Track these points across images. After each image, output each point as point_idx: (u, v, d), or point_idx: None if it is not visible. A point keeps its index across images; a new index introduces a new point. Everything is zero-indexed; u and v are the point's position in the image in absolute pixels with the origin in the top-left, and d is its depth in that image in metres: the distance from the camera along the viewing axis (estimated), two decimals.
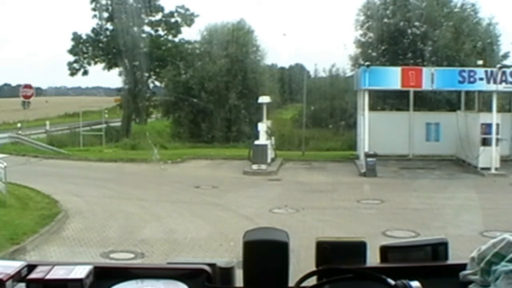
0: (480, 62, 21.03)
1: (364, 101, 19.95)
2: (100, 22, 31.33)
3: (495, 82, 19.05)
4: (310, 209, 13.32)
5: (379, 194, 15.11)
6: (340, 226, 11.71)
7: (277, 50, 54.73)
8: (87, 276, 1.46)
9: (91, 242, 10.54)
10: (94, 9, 31.02)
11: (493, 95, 19.35)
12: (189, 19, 31.83)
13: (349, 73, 29.93)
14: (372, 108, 20.79)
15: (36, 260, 2.66)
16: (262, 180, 17.77)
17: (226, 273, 1.52)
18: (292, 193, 15.62)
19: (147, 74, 31.38)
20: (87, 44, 31.72)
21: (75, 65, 31.67)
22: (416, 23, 27.95)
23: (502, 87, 19.22)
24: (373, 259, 1.61)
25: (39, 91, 34.59)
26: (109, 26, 31.17)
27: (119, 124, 31.64)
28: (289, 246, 1.47)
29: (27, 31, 52.03)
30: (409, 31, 28.17)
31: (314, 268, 1.51)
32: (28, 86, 28.30)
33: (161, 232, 11.23)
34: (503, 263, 1.42)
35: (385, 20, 28.29)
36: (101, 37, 31.44)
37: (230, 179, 17.92)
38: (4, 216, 11.63)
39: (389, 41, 28.01)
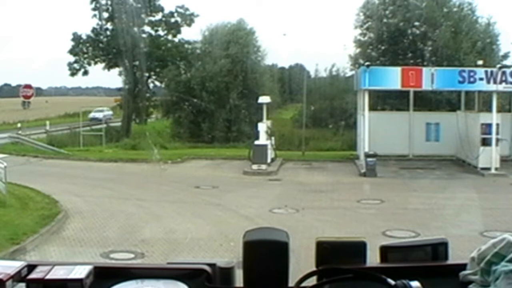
0: (480, 62, 21.05)
1: (364, 101, 19.96)
2: (100, 22, 31.37)
3: (495, 82, 19.06)
4: (310, 209, 13.33)
5: (379, 194, 15.11)
6: (340, 226, 11.71)
7: (277, 50, 54.78)
8: (87, 276, 1.46)
9: (91, 242, 10.54)
10: (94, 9, 31.09)
11: (493, 95, 19.35)
12: (189, 19, 31.85)
13: (349, 73, 30.01)
14: (372, 108, 20.79)
15: (36, 260, 2.66)
16: (262, 180, 17.78)
17: (226, 273, 1.52)
18: (292, 193, 15.62)
19: (147, 74, 31.39)
20: (87, 44, 31.72)
21: (75, 65, 31.70)
22: (416, 23, 27.96)
23: (502, 87, 19.22)
24: (373, 259, 1.61)
25: (39, 91, 34.65)
26: (109, 26, 31.21)
27: (119, 124, 31.66)
28: (289, 246, 1.47)
29: (27, 31, 52.14)
30: (409, 31, 28.18)
31: (314, 268, 1.51)
32: (28, 86, 28.32)
33: (161, 232, 11.23)
34: (503, 263, 1.42)
35: (385, 20, 28.31)
36: (101, 37, 31.44)
37: (230, 179, 17.93)
38: (4, 216, 11.63)
39: (389, 41, 28.03)
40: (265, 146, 20.03)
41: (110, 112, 33.71)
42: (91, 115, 33.57)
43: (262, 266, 1.44)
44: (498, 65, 20.27)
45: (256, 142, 20.17)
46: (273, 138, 21.67)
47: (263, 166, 19.23)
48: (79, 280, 1.44)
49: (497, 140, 18.99)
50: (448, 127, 21.35)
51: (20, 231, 10.46)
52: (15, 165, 17.67)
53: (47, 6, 52.19)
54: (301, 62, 35.16)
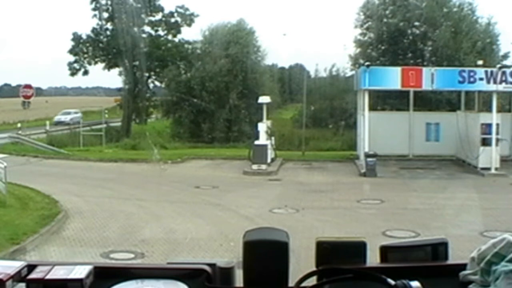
0: (480, 62, 21.05)
1: (364, 101, 19.96)
2: (100, 22, 31.38)
3: (495, 82, 19.05)
4: (310, 209, 13.32)
5: (379, 194, 15.10)
6: (340, 226, 11.71)
7: (277, 50, 54.82)
8: (87, 276, 1.46)
9: (91, 242, 10.54)
10: (94, 9, 31.09)
11: (493, 95, 19.35)
12: (189, 19, 31.85)
13: (349, 73, 30.00)
14: (372, 108, 20.79)
15: (36, 260, 2.66)
16: (262, 180, 17.77)
17: (226, 273, 1.52)
18: (292, 193, 15.62)
19: (147, 74, 31.39)
20: (87, 44, 31.73)
21: (75, 65, 31.71)
22: (416, 23, 27.97)
23: (502, 87, 19.22)
24: (373, 259, 1.61)
25: (39, 91, 34.67)
26: (109, 26, 31.22)
27: (119, 124, 31.63)
28: (289, 246, 1.47)
29: (27, 31, 52.17)
30: (409, 31, 28.19)
31: (314, 268, 1.51)
32: (28, 86, 28.31)
33: (161, 232, 11.23)
34: (503, 263, 1.42)
35: (385, 20, 28.31)
36: (101, 37, 31.44)
37: (230, 179, 17.93)
38: (4, 216, 11.63)
39: (389, 41, 28.03)
40: (265, 146, 20.03)
41: (79, 115, 31.73)
42: (56, 118, 31.70)
43: (262, 266, 1.44)
44: (498, 65, 20.27)
45: (256, 142, 20.18)
46: (273, 138, 21.66)
47: (263, 166, 19.23)
48: (79, 280, 1.44)
49: (497, 140, 18.99)
50: (448, 127, 21.35)
51: (20, 231, 10.45)
52: (15, 165, 17.67)
53: (47, 6, 52.27)
54: (301, 62, 35.23)
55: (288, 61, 50.60)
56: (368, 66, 20.31)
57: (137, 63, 30.17)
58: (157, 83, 32.88)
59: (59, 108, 38.60)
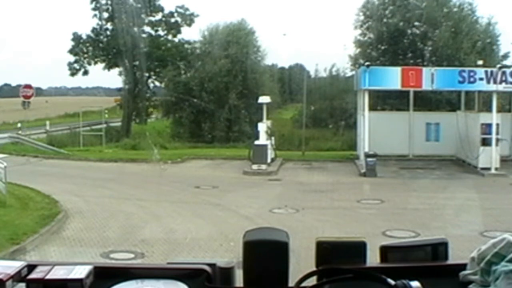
0: (480, 62, 21.06)
1: (364, 101, 19.95)
2: (100, 22, 31.39)
3: (495, 82, 19.05)
4: (310, 209, 13.32)
5: (379, 194, 15.10)
6: (340, 226, 11.71)
7: (277, 50, 54.82)
8: (87, 276, 1.46)
9: (91, 242, 10.54)
10: (94, 9, 31.10)
11: (493, 95, 19.35)
12: (189, 19, 31.86)
13: (349, 73, 30.02)
14: (372, 108, 20.78)
15: (36, 260, 2.66)
16: (262, 180, 17.77)
17: (226, 273, 1.52)
18: (292, 193, 15.62)
19: (147, 74, 31.39)
20: (87, 44, 31.74)
21: (75, 65, 31.72)
22: (416, 23, 27.97)
23: (502, 87, 19.21)
24: (373, 259, 1.61)
25: (39, 91, 34.67)
26: (109, 26, 31.23)
27: (119, 124, 31.64)
28: (289, 246, 1.47)
29: (27, 31, 52.15)
30: (409, 31, 28.18)
31: (314, 268, 1.51)
32: (28, 86, 28.30)
33: (161, 232, 11.23)
34: (503, 263, 1.42)
35: (385, 20, 28.31)
36: (101, 37, 31.45)
37: (230, 179, 17.92)
38: (4, 216, 11.63)
39: (389, 41, 28.03)
40: (265, 146, 20.03)
41: None
42: None
43: (262, 266, 1.44)
44: (498, 65, 20.26)
45: (256, 142, 20.17)
46: (273, 138, 21.66)
47: (263, 166, 19.22)
48: (79, 280, 1.44)
49: (497, 140, 18.98)
50: (448, 127, 21.34)
51: (20, 231, 10.45)
52: (15, 165, 17.67)
53: (47, 6, 52.25)
54: (301, 62, 35.26)
55: (288, 61, 50.57)
56: (368, 66, 20.31)
57: (137, 63, 30.17)
58: (157, 83, 32.93)
59: (59, 108, 38.67)
